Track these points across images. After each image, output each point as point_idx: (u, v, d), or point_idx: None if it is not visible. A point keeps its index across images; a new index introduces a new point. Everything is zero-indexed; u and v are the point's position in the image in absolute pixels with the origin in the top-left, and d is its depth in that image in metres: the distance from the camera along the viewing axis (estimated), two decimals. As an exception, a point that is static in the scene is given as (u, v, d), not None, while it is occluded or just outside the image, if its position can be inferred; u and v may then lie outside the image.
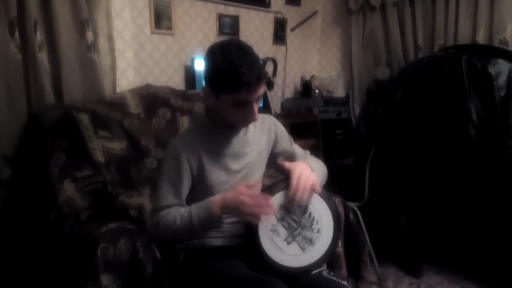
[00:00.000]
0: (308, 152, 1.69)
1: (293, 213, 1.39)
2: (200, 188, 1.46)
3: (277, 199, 1.38)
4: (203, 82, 1.43)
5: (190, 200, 1.45)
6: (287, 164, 1.44)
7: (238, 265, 1.39)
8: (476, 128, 2.17)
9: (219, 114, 1.44)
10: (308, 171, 1.41)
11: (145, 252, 1.39)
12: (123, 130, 1.98)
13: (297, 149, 1.67)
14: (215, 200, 1.36)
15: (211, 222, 1.36)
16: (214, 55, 1.34)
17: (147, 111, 2.11)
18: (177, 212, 1.38)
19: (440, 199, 2.40)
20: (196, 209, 1.37)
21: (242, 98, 1.33)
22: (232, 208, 1.34)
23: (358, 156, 2.63)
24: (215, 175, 1.46)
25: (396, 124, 2.45)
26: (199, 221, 1.35)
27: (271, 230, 1.37)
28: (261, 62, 1.39)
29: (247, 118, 1.40)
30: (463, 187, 2.28)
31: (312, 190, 1.39)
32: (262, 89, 1.36)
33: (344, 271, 1.88)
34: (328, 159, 3.14)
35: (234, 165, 1.49)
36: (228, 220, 1.45)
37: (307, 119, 3.23)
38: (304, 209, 1.40)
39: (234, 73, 1.28)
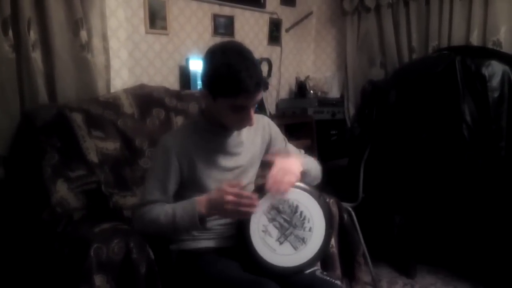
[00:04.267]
0: (302, 152, 1.70)
1: (284, 213, 1.39)
2: (192, 186, 1.46)
3: (267, 199, 1.38)
4: (199, 83, 1.43)
5: (182, 197, 1.45)
6: (275, 157, 1.42)
7: (231, 266, 1.39)
8: (469, 129, 2.18)
9: (214, 116, 1.44)
10: (291, 166, 1.39)
11: (138, 253, 1.38)
12: (117, 130, 1.97)
13: (291, 149, 1.67)
14: (201, 200, 1.35)
15: (195, 222, 1.34)
16: (214, 57, 1.34)
17: (141, 111, 2.10)
18: (162, 209, 1.38)
19: (434, 199, 2.40)
20: (180, 209, 1.36)
21: (239, 104, 1.33)
22: (217, 208, 1.33)
23: (352, 156, 2.64)
24: (207, 172, 1.45)
25: (390, 125, 2.45)
26: (183, 221, 1.34)
27: (263, 231, 1.37)
28: (260, 65, 1.38)
29: (243, 123, 1.41)
30: (457, 188, 2.29)
31: (289, 184, 1.37)
32: (260, 95, 1.36)
33: (338, 271, 1.88)
34: (322, 160, 3.13)
35: (226, 163, 1.49)
36: (220, 221, 1.46)
37: (302, 120, 3.24)
38: (294, 208, 1.40)
39: (233, 79, 1.28)
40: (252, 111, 1.37)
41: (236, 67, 1.28)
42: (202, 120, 1.49)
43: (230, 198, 1.29)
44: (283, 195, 1.38)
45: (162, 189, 1.42)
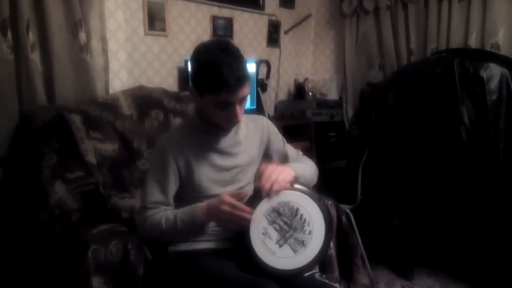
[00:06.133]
0: (300, 153, 1.70)
1: (284, 216, 1.39)
2: (190, 187, 1.46)
3: (268, 202, 1.38)
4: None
5: (181, 199, 1.46)
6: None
7: (229, 267, 1.39)
8: (468, 132, 2.19)
9: (206, 114, 1.44)
10: (282, 169, 1.38)
11: (136, 254, 1.38)
12: (115, 131, 1.97)
13: (290, 149, 1.67)
14: (202, 205, 1.37)
15: (195, 227, 1.36)
16: (198, 54, 1.35)
17: (139, 113, 2.10)
18: (164, 214, 1.39)
19: (432, 202, 2.40)
20: (182, 213, 1.38)
21: (223, 99, 1.33)
22: (214, 216, 1.34)
23: (351, 158, 2.64)
24: (203, 172, 1.46)
25: (389, 127, 2.46)
26: (184, 226, 1.36)
27: (263, 233, 1.37)
28: (246, 62, 1.38)
29: (230, 119, 1.40)
30: (455, 190, 2.29)
31: (284, 183, 1.36)
32: (245, 90, 1.36)
33: (336, 273, 1.88)
34: (321, 162, 3.17)
35: (223, 162, 1.49)
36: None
37: (301, 122, 3.24)
38: (295, 211, 1.40)
39: (214, 74, 1.29)
40: (237, 107, 1.36)
41: (217, 62, 1.29)
42: (198, 120, 1.50)
43: (225, 208, 1.30)
44: (278, 195, 1.37)
45: (162, 191, 1.43)
